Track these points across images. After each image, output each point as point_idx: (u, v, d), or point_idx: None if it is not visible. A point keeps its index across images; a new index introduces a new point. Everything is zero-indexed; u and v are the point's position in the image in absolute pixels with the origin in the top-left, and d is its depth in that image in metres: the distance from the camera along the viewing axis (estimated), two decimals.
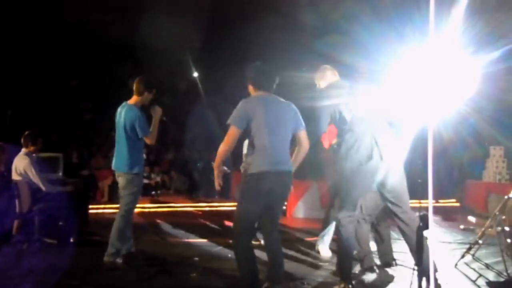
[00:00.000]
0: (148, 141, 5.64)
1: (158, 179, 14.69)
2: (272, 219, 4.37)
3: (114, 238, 5.54)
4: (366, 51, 4.61)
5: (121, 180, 5.62)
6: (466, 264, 5.69)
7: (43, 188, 6.48)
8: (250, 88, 4.33)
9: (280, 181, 4.16)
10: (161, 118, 5.82)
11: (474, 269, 5.52)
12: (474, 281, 5.09)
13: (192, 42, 15.90)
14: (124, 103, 5.75)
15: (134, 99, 5.70)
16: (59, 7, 12.50)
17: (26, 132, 6.75)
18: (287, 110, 4.34)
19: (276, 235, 4.39)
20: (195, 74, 17.85)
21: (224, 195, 12.83)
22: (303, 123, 4.38)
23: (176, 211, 10.98)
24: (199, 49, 16.54)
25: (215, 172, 4.21)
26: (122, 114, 5.62)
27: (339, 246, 4.79)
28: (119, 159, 5.63)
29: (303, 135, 4.37)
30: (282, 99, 4.34)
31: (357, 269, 5.32)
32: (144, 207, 11.04)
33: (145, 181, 14.14)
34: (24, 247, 6.31)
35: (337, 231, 4.81)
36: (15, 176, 6.50)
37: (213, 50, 16.08)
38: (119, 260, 5.56)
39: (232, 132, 4.09)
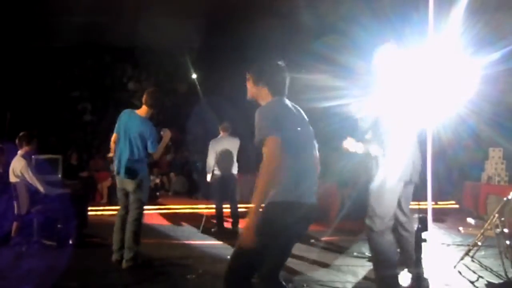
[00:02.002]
0: (154, 156, 5.79)
1: (158, 180, 14.67)
2: (281, 264, 3.30)
3: (131, 242, 5.56)
4: (365, 52, 4.58)
5: (130, 186, 5.65)
6: (465, 265, 5.68)
7: (41, 190, 6.47)
8: (262, 92, 3.33)
9: (308, 216, 3.15)
10: (168, 143, 6.01)
11: (473, 271, 5.51)
12: (473, 283, 5.09)
13: (191, 43, 15.92)
14: (132, 112, 5.79)
15: (145, 110, 5.75)
16: (58, 8, 12.50)
17: (21, 133, 6.75)
18: (308, 122, 3.37)
19: (281, 283, 3.29)
20: (194, 76, 17.85)
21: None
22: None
23: (175, 212, 10.97)
24: (198, 51, 16.56)
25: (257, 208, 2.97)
26: (134, 123, 5.65)
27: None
28: (127, 167, 5.63)
29: (317, 155, 3.38)
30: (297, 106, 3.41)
31: None
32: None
33: None
34: (23, 249, 6.31)
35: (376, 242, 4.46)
36: (12, 178, 6.49)
37: (212, 52, 16.11)
38: (139, 261, 5.59)
39: (274, 144, 2.97)
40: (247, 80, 3.39)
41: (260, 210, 2.97)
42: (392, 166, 4.30)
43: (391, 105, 4.32)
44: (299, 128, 3.18)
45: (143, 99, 5.78)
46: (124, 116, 5.74)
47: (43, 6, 12.29)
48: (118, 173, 5.67)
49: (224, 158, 8.10)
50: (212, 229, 8.09)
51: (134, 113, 5.76)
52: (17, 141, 6.66)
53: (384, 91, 4.35)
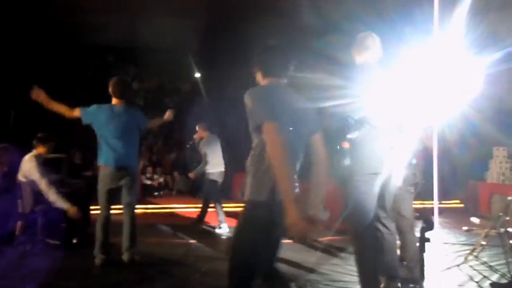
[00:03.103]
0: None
1: (161, 180, 14.69)
2: (272, 255, 3.16)
3: (135, 237, 5.70)
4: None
5: (132, 176, 5.73)
6: (469, 265, 5.67)
7: (46, 194, 6.45)
8: (258, 76, 3.22)
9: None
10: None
11: (477, 271, 5.50)
12: (477, 282, 5.07)
13: (194, 43, 15.91)
14: (125, 105, 5.84)
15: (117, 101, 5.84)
16: (61, 8, 12.53)
17: (39, 134, 6.76)
18: (305, 104, 3.19)
19: (279, 275, 3.21)
20: (197, 75, 17.87)
21: (227, 196, 12.83)
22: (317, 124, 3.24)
23: (178, 212, 10.98)
24: (201, 50, 16.56)
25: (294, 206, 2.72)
26: (135, 115, 5.86)
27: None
28: (133, 156, 5.79)
29: (319, 140, 3.20)
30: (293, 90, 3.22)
31: None
32: (146, 208, 11.05)
33: (148, 182, 14.17)
34: (27, 248, 6.32)
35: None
36: (20, 177, 6.51)
37: (214, 51, 16.09)
38: None
39: (275, 130, 2.79)
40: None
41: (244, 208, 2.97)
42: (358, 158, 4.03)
43: (381, 103, 4.18)
44: (289, 115, 2.95)
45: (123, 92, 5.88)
46: (120, 109, 5.83)
47: (46, 6, 12.33)
48: None
49: (220, 156, 8.41)
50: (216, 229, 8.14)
51: (129, 107, 5.96)
52: (34, 141, 6.68)
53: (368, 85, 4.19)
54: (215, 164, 8.29)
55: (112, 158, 5.63)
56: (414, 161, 4.63)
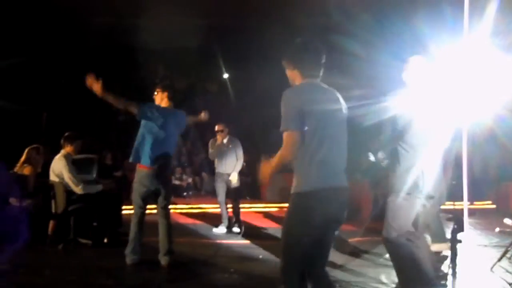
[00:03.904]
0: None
1: (190, 180, 14.80)
2: (322, 255, 3.20)
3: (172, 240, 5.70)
4: (400, 51, 4.52)
5: (168, 179, 5.87)
6: (502, 267, 5.56)
7: (77, 191, 6.57)
8: (294, 74, 3.22)
9: (338, 200, 3.08)
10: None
11: (510, 273, 5.39)
12: (511, 285, 4.97)
13: (221, 43, 15.97)
14: (173, 107, 5.83)
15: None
16: (90, 9, 12.74)
17: (66, 134, 6.87)
18: (341, 103, 3.24)
19: (329, 280, 3.26)
20: (226, 75, 17.94)
21: (256, 197, 12.86)
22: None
23: (207, 212, 11.04)
24: (229, 51, 16.62)
25: (267, 173, 3.12)
26: (181, 117, 5.85)
27: None
28: (171, 158, 5.81)
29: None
30: (330, 88, 3.26)
31: None
32: (175, 208, 11.15)
33: (177, 182, 14.30)
34: (59, 247, 6.43)
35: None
36: (52, 177, 6.63)
37: (243, 51, 16.13)
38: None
39: (292, 138, 2.97)
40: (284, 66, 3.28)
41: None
42: (405, 178, 4.08)
43: (421, 108, 4.18)
44: (327, 113, 3.07)
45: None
46: (166, 111, 5.76)
47: (76, 8, 12.53)
48: None
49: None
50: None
51: (176, 109, 5.92)
52: (61, 140, 6.80)
53: (415, 94, 4.23)
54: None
55: (155, 159, 5.50)
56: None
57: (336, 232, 3.20)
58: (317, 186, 3.00)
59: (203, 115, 6.39)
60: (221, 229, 8.09)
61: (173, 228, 5.80)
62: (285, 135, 2.99)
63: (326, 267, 3.23)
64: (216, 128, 8.21)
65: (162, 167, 5.54)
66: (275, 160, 3.04)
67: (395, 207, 4.16)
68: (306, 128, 2.98)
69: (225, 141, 8.18)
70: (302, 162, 3.04)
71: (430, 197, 4.21)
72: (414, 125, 4.12)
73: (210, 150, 8.22)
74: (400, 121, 4.15)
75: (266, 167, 3.11)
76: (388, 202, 4.24)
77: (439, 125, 4.19)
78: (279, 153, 3.02)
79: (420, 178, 4.07)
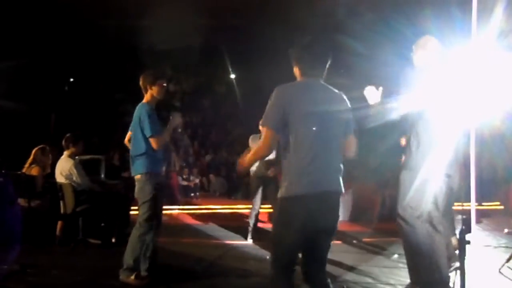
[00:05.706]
0: (153, 143, 4.99)
1: (197, 181, 14.83)
2: (315, 259, 3.24)
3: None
4: (407, 52, 4.51)
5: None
6: (510, 268, 5.53)
7: (88, 188, 6.62)
8: (296, 71, 3.24)
9: (325, 205, 3.04)
10: (176, 127, 5.32)
11: None
12: None
13: (229, 44, 16.01)
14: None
15: (145, 97, 5.37)
16: (98, 12, 12.80)
17: (68, 134, 6.91)
18: (339, 103, 3.19)
19: (325, 282, 3.27)
20: (233, 76, 17.97)
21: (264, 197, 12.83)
22: (353, 125, 3.27)
23: (214, 213, 11.05)
24: (237, 51, 16.65)
25: (243, 165, 3.33)
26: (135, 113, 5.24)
27: None
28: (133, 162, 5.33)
29: (352, 142, 3.25)
30: (332, 88, 3.22)
31: None
32: (182, 208, 11.17)
33: (184, 183, 14.32)
34: (69, 247, 6.46)
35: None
36: (59, 178, 6.66)
37: (250, 52, 16.16)
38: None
39: (267, 136, 3.05)
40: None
41: None
42: (425, 156, 4.03)
43: (434, 100, 4.15)
44: (317, 115, 3.02)
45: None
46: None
47: (84, 10, 12.59)
48: None
49: None
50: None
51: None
52: (63, 142, 6.83)
53: (427, 86, 4.20)
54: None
55: (160, 164, 5.32)
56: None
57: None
58: (302, 191, 3.00)
59: (174, 119, 5.39)
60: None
61: (181, 229, 5.80)
62: (263, 130, 3.20)
63: (334, 267, 3.26)
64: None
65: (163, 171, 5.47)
66: (251, 153, 3.23)
67: (410, 184, 4.06)
68: (286, 128, 3.01)
69: None
70: (289, 166, 3.07)
71: (448, 176, 4.15)
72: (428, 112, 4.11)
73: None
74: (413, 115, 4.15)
75: (243, 160, 3.31)
76: (401, 179, 4.16)
77: (451, 114, 4.15)
78: (256, 147, 3.25)
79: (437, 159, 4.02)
